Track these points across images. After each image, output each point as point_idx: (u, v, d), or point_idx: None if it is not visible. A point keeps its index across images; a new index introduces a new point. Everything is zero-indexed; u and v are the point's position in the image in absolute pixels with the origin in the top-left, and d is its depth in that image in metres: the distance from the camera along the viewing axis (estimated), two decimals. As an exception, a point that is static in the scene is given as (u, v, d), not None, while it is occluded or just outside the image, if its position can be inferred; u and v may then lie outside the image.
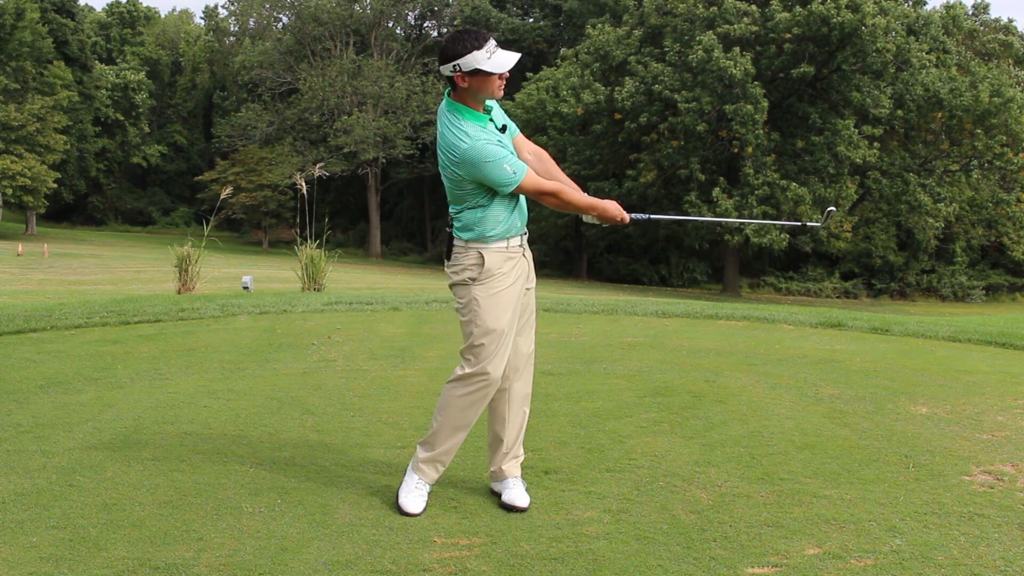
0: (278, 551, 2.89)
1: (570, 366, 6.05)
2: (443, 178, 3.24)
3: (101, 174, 58.01)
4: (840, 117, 35.13)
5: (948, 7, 40.65)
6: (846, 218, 36.22)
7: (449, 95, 3.22)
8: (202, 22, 66.33)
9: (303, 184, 12.93)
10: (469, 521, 3.18)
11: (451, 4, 52.16)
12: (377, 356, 6.48)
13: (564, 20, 51.53)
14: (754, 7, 35.44)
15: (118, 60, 62.82)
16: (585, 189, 3.46)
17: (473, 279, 3.23)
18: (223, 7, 59.10)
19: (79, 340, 7.05)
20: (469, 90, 3.14)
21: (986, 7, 47.17)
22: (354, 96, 49.07)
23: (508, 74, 3.17)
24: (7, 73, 45.31)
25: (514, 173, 3.12)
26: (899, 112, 35.88)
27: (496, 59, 3.11)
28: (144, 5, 69.90)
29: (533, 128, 39.54)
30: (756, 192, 33.75)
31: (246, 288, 12.80)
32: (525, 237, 3.37)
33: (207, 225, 12.58)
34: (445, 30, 54.22)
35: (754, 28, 34.47)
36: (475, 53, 3.08)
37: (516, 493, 3.33)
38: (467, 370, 3.26)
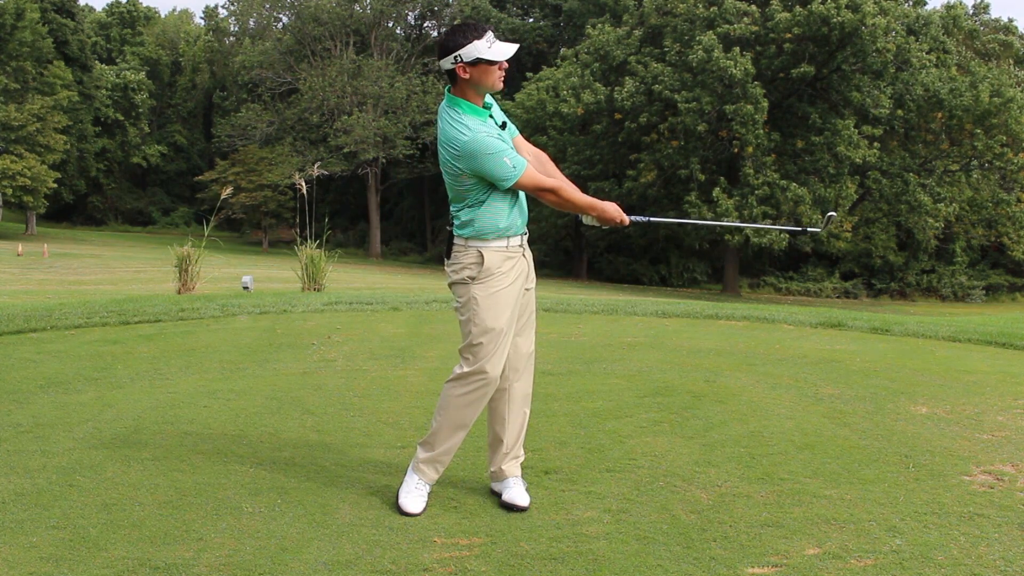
0: (278, 551, 2.89)
1: (570, 366, 6.05)
2: (444, 175, 3.25)
3: (101, 174, 58.03)
4: (840, 117, 35.13)
5: (948, 7, 40.66)
6: (846, 218, 36.23)
7: (449, 91, 3.22)
8: (202, 22, 66.36)
9: (303, 184, 12.93)
10: (469, 521, 3.18)
11: (451, 4, 52.16)
12: (377, 356, 6.48)
13: (564, 20, 51.55)
14: (754, 7, 35.45)
15: (118, 60, 62.84)
16: (585, 189, 3.46)
17: (472, 278, 3.23)
18: (223, 7, 59.15)
19: (79, 340, 7.05)
20: (470, 81, 3.15)
21: (986, 7, 47.19)
22: (354, 96, 49.07)
23: (507, 64, 3.17)
24: (7, 73, 45.31)
25: (514, 168, 3.12)
26: (899, 112, 35.89)
27: (496, 48, 3.12)
28: (144, 5, 69.93)
29: (533, 128, 39.55)
30: (756, 192, 33.75)
31: (246, 288, 12.80)
32: (525, 237, 3.36)
33: (207, 225, 12.58)
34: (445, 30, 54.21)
35: (754, 28, 34.48)
36: (476, 43, 3.09)
37: (516, 492, 3.33)
38: (466, 369, 3.26)
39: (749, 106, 33.06)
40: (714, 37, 33.63)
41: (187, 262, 12.10)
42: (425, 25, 56.57)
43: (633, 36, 38.00)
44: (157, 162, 61.66)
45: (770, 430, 4.34)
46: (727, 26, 34.30)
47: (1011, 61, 44.27)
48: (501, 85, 3.20)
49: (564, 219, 37.15)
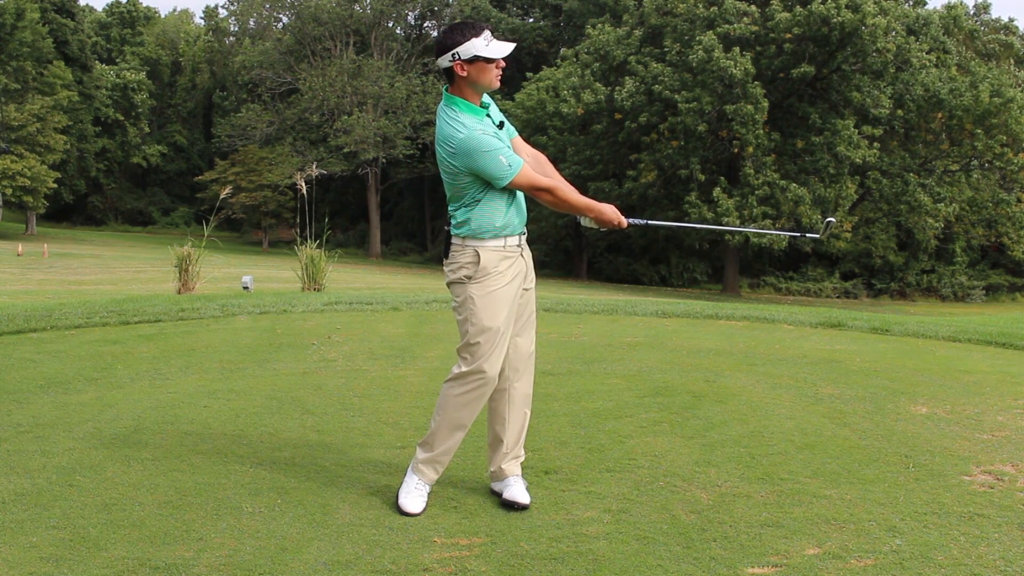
0: (278, 551, 2.89)
1: (570, 366, 6.05)
2: (442, 174, 3.25)
3: (101, 174, 58.02)
4: (840, 117, 35.14)
5: (949, 7, 40.66)
6: (846, 218, 36.23)
7: (447, 90, 3.23)
8: (202, 22, 66.39)
9: (303, 184, 12.93)
10: (469, 521, 3.18)
11: (451, 4, 52.16)
12: (377, 356, 6.48)
13: (564, 20, 51.56)
14: (754, 7, 35.45)
15: (118, 60, 62.82)
16: (585, 190, 3.47)
17: (469, 277, 3.23)
18: (223, 7, 59.20)
19: (79, 340, 7.04)
20: (468, 79, 3.15)
21: (987, 7, 47.18)
22: (354, 96, 49.07)
23: (504, 63, 3.18)
24: (7, 73, 45.31)
25: (509, 166, 3.12)
26: (899, 112, 35.90)
27: (494, 46, 3.13)
28: (144, 5, 69.89)
29: (533, 128, 39.56)
30: (756, 192, 33.74)
31: (246, 288, 12.80)
32: (523, 237, 3.36)
33: (207, 225, 12.57)
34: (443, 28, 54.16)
35: (754, 28, 34.48)
36: (473, 40, 3.11)
37: (517, 490, 3.33)
38: (464, 369, 3.27)
39: (749, 106, 33.06)
40: (714, 37, 33.63)
41: (187, 262, 12.10)
42: (425, 25, 56.59)
43: (633, 36, 38.00)
44: (157, 162, 61.66)
45: (770, 430, 4.34)
46: (727, 26, 34.30)
47: (1011, 61, 44.27)
48: (498, 84, 3.20)
49: (564, 219, 37.16)
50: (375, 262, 45.70)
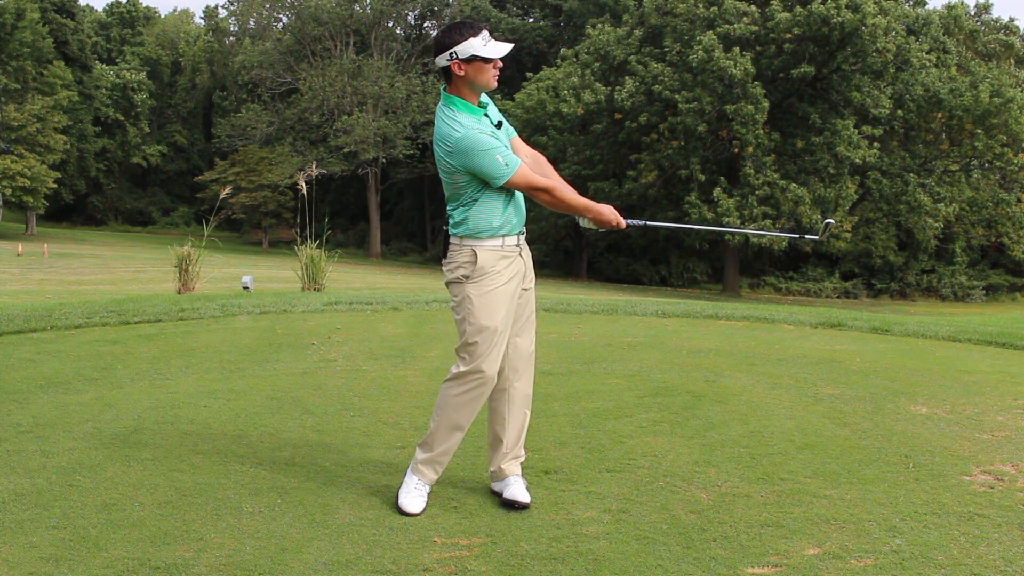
0: (278, 551, 2.89)
1: (570, 366, 6.05)
2: (440, 173, 3.26)
3: (101, 174, 58.03)
4: (840, 117, 35.14)
5: (949, 7, 40.65)
6: (846, 218, 36.23)
7: (445, 89, 3.23)
8: (202, 22, 66.36)
9: (303, 184, 12.92)
10: (469, 521, 3.18)
11: (451, 4, 52.16)
12: (377, 356, 6.48)
13: (564, 20, 51.54)
14: (754, 7, 35.45)
15: (118, 60, 62.83)
16: (585, 190, 3.47)
17: (466, 277, 3.23)
18: (223, 7, 59.14)
19: (79, 340, 7.04)
20: (465, 79, 3.16)
21: (988, 7, 47.15)
22: (354, 96, 49.07)
23: (502, 64, 3.18)
24: (7, 73, 45.31)
25: (506, 165, 3.13)
26: (899, 112, 35.89)
27: (492, 46, 3.15)
28: (144, 5, 69.91)
29: (533, 128, 39.55)
30: (757, 192, 33.74)
31: (246, 288, 12.80)
32: (522, 237, 3.36)
33: (207, 225, 12.57)
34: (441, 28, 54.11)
35: (754, 28, 34.48)
36: (471, 40, 3.12)
37: (517, 489, 3.33)
38: (462, 368, 3.27)
39: (750, 106, 33.06)
40: (714, 37, 33.62)
41: (187, 262, 12.10)
42: (425, 25, 56.57)
43: (633, 36, 37.99)
44: (157, 162, 61.66)
45: (770, 430, 4.34)
46: (727, 26, 34.29)
47: (1011, 61, 44.26)
48: (495, 84, 3.21)
49: (564, 219, 37.13)
50: (375, 262, 45.70)
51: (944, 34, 39.01)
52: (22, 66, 45.83)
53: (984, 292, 43.05)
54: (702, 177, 35.24)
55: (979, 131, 34.99)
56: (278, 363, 6.17)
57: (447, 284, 3.33)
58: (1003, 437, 4.26)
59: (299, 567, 2.77)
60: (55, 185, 46.63)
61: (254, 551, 2.88)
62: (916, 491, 3.46)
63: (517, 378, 3.42)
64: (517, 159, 3.19)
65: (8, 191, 44.71)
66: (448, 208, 3.30)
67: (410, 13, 55.05)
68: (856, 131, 34.43)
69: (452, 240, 3.28)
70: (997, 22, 47.79)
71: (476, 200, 3.20)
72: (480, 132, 3.12)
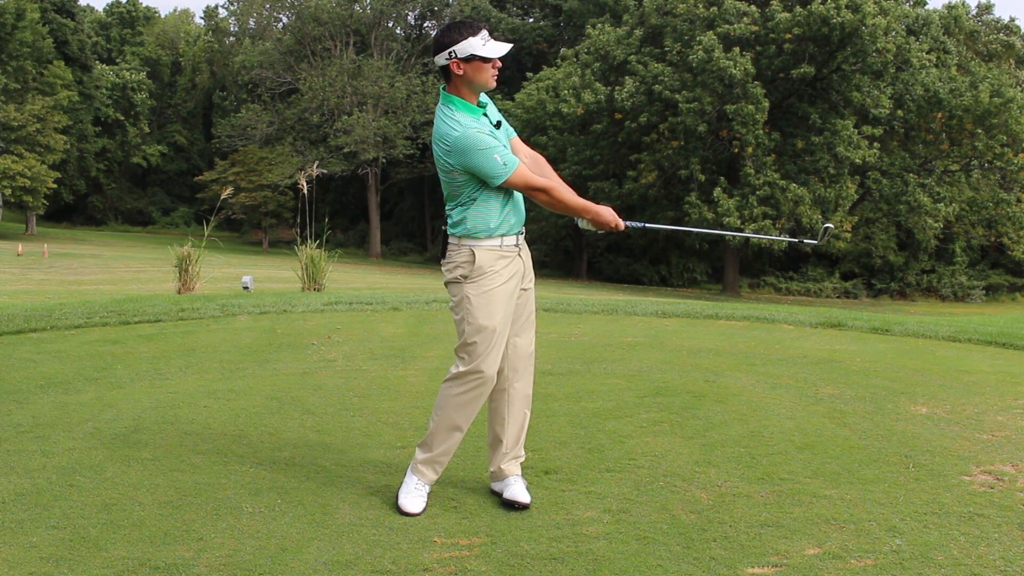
0: (278, 551, 2.89)
1: (570, 366, 6.05)
2: (439, 173, 3.26)
3: (101, 174, 58.04)
4: (840, 117, 35.14)
5: (949, 7, 40.65)
6: (846, 218, 36.24)
7: (444, 89, 3.24)
8: (202, 22, 66.37)
9: (304, 184, 12.92)
10: (469, 521, 3.18)
11: (451, 4, 52.15)
12: (377, 356, 6.48)
13: (564, 20, 51.53)
14: (754, 7, 35.45)
15: (118, 60, 62.84)
16: (585, 190, 3.47)
17: (465, 276, 3.23)
18: (223, 7, 59.18)
19: (79, 340, 7.05)
20: (464, 78, 3.16)
21: (990, 7, 47.14)
22: (354, 96, 49.07)
23: (500, 63, 3.19)
24: (7, 73, 45.32)
25: (504, 165, 3.12)
26: (899, 112, 35.90)
27: (491, 46, 3.15)
28: (144, 5, 69.89)
29: (533, 128, 39.54)
30: (757, 192, 33.74)
31: (246, 288, 12.80)
32: (521, 236, 3.36)
33: (207, 225, 12.57)
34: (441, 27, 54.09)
35: (754, 28, 34.49)
36: (470, 39, 3.12)
37: (517, 489, 3.33)
38: (461, 369, 3.27)
39: (750, 106, 33.06)
40: (714, 37, 33.63)
41: (187, 262, 12.10)
42: (425, 25, 56.56)
43: (633, 36, 37.99)
44: (157, 162, 61.68)
45: (770, 430, 4.34)
46: (727, 26, 34.29)
47: (1012, 62, 44.26)
48: (494, 83, 3.21)
49: (564, 219, 36.98)
50: (375, 262, 45.70)
51: (944, 34, 39.02)
52: (22, 66, 45.84)
53: (984, 292, 43.05)
54: (702, 177, 35.24)
55: (979, 131, 35.00)
56: (278, 363, 6.17)
57: (446, 284, 3.33)
58: (1003, 437, 4.26)
59: (299, 567, 2.77)
60: (55, 185, 46.63)
61: (254, 551, 2.88)
62: (916, 491, 3.46)
63: (517, 378, 3.42)
64: (515, 159, 3.19)
65: (8, 191, 44.71)
66: (447, 208, 3.30)
67: (410, 13, 55.06)
68: (856, 131, 34.43)
69: (451, 240, 3.28)
70: (998, 22, 47.78)
71: (474, 200, 3.20)
72: (478, 131, 3.12)
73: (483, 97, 3.29)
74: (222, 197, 14.72)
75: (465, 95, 3.20)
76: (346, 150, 47.05)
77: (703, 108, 34.12)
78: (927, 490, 3.47)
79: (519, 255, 3.34)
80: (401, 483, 3.39)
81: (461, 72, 3.15)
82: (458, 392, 3.28)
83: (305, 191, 12.86)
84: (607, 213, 3.31)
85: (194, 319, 8.36)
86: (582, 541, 2.98)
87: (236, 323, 8.16)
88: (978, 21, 46.17)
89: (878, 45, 33.54)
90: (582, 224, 3.40)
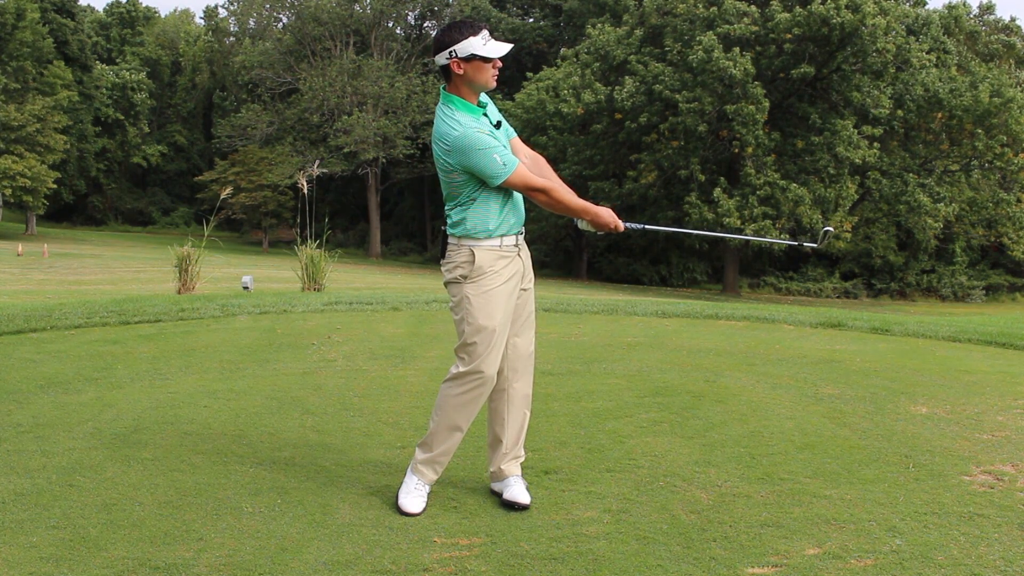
0: (278, 551, 2.89)
1: (570, 366, 6.05)
2: (438, 173, 3.25)
3: (101, 174, 58.06)
4: (840, 117, 35.13)
5: (950, 7, 40.64)
6: (846, 218, 36.24)
7: (444, 88, 3.24)
8: (202, 22, 66.36)
9: (304, 184, 12.92)
10: (469, 521, 3.18)
11: (451, 4, 52.15)
12: (377, 356, 6.48)
13: (564, 20, 51.53)
14: (754, 7, 35.44)
15: (118, 60, 62.85)
16: (585, 190, 3.47)
17: (465, 277, 3.23)
18: (223, 7, 59.15)
19: (79, 340, 7.05)
20: (464, 77, 3.16)
21: (992, 8, 47.14)
22: (354, 96, 49.07)
23: (501, 63, 3.18)
24: (7, 73, 45.33)
25: (504, 165, 3.12)
26: (899, 112, 35.88)
27: (491, 46, 3.15)
28: (144, 5, 69.87)
29: (533, 128, 39.53)
30: (757, 192, 33.74)
31: (246, 288, 12.80)
32: (521, 237, 3.36)
33: (207, 225, 12.57)
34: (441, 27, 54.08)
35: (754, 28, 34.48)
36: (471, 39, 3.12)
37: (517, 490, 3.33)
38: (461, 369, 3.27)
39: (750, 106, 33.06)
40: (714, 37, 33.62)
41: (187, 262, 12.10)
42: (425, 25, 56.57)
43: (633, 36, 37.99)
44: (157, 162, 61.69)
45: (770, 430, 4.34)
46: (727, 26, 34.29)
47: (1012, 62, 44.25)
48: (494, 83, 3.21)
49: (564, 219, 36.92)
50: (375, 262, 45.70)
51: (944, 34, 39.01)
52: (22, 66, 45.85)
53: (984, 292, 43.05)
54: (702, 177, 35.24)
55: (979, 131, 35.00)
56: (278, 363, 6.17)
57: (446, 284, 3.33)
58: (1003, 437, 4.26)
59: (299, 567, 2.77)
60: (55, 185, 46.65)
61: (254, 551, 2.88)
62: (916, 491, 3.46)
63: (516, 378, 3.41)
64: (515, 159, 3.19)
65: (8, 191, 44.71)
66: (446, 208, 3.30)
67: (410, 13, 55.06)
68: (856, 131, 34.43)
69: (450, 240, 3.28)
70: (998, 22, 47.78)
71: (474, 200, 3.20)
72: (478, 131, 3.12)
73: (483, 97, 3.29)
74: (221, 197, 14.72)
75: (465, 95, 3.20)
76: (346, 150, 47.06)
77: (703, 108, 34.11)
78: (927, 490, 3.47)
79: (519, 255, 3.34)
80: (401, 483, 3.39)
81: (461, 72, 3.15)
82: (458, 392, 3.28)
83: (305, 191, 12.85)
84: (606, 214, 3.30)
85: (194, 319, 8.36)
86: (582, 541, 2.98)
87: (236, 323, 8.16)
88: (979, 21, 46.17)
89: (878, 45, 33.53)
90: (581, 225, 3.40)
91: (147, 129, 60.67)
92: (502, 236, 3.25)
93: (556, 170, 3.48)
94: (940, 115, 36.23)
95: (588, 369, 5.96)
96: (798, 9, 33.79)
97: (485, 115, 3.24)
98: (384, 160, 48.87)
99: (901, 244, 44.02)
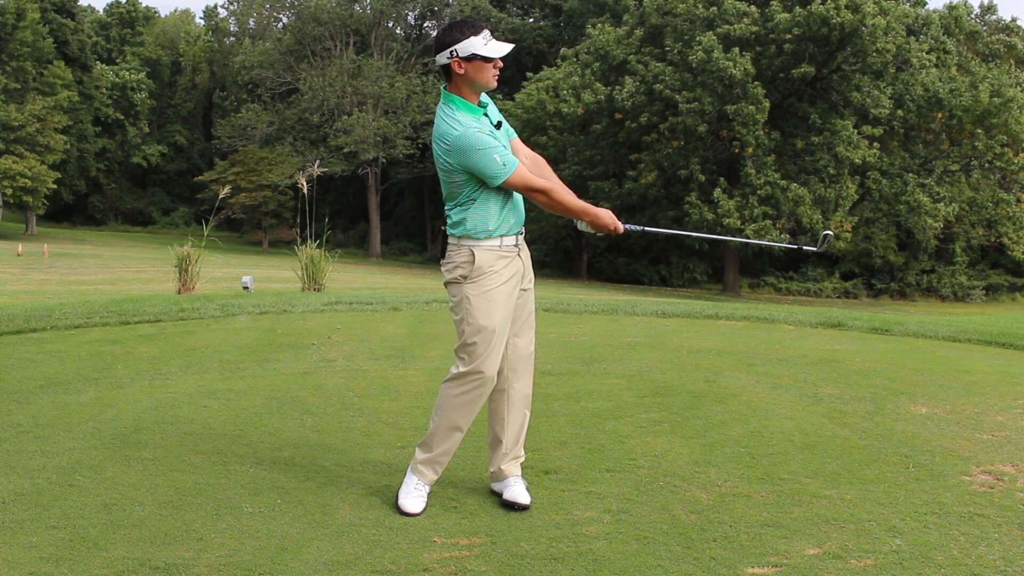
0: (278, 551, 2.89)
1: (570, 366, 6.05)
2: (439, 172, 3.25)
3: (101, 174, 58.07)
4: (840, 117, 35.14)
5: (950, 7, 40.63)
6: (846, 218, 36.24)
7: (445, 88, 3.23)
8: (202, 22, 66.37)
9: (304, 184, 12.91)
10: (469, 521, 3.18)
11: (451, 4, 52.15)
12: (377, 356, 6.47)
13: (564, 20, 51.54)
14: (754, 7, 35.45)
15: (118, 60, 62.86)
16: (585, 190, 3.47)
17: (465, 277, 3.23)
18: (223, 7, 59.17)
19: (79, 340, 7.04)
20: (465, 77, 3.16)
21: (993, 8, 47.13)
22: (354, 96, 49.07)
23: (502, 64, 3.18)
24: (7, 73, 45.34)
25: (504, 165, 3.12)
26: (899, 112, 35.89)
27: (492, 46, 3.15)
28: (144, 5, 69.90)
29: (533, 128, 39.53)
30: (758, 192, 33.74)
31: (246, 288, 12.80)
32: (521, 237, 3.36)
33: (207, 225, 12.57)
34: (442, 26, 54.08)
35: (754, 28, 34.49)
36: (472, 39, 3.12)
37: (517, 491, 3.33)
38: (461, 369, 3.27)
39: (751, 106, 33.06)
40: (714, 37, 33.62)
41: (187, 262, 12.10)
42: (425, 25, 56.59)
43: (634, 36, 38.00)
44: (157, 162, 61.69)
45: (770, 430, 4.34)
46: (727, 26, 34.29)
47: (1012, 62, 44.25)
48: (495, 83, 3.21)
49: (564, 219, 36.80)
50: (375, 262, 45.70)
51: (944, 34, 39.01)
52: (22, 66, 45.86)
53: (984, 292, 43.04)
54: (702, 177, 35.25)
55: (979, 131, 35.01)
56: (278, 363, 6.17)
57: (445, 284, 3.33)
58: (1003, 437, 4.26)
59: (299, 567, 2.77)
60: (55, 185, 46.66)
61: (254, 551, 2.88)
62: (916, 491, 3.46)
63: (516, 378, 3.41)
64: (515, 159, 3.19)
65: (8, 191, 44.72)
66: (446, 208, 3.30)
67: (410, 13, 55.06)
68: (856, 131, 34.43)
69: (450, 240, 3.28)
70: (999, 22, 47.77)
71: (474, 200, 3.20)
72: (478, 131, 3.12)
73: (484, 97, 3.28)
74: (221, 196, 14.71)
75: (466, 94, 3.20)
76: (346, 150, 47.05)
77: (703, 108, 34.11)
78: (927, 490, 3.47)
79: (519, 255, 3.34)
80: (401, 483, 3.39)
81: (462, 71, 3.15)
82: (458, 392, 3.28)
83: (305, 191, 12.85)
84: (606, 216, 3.30)
85: (194, 319, 8.36)
86: (582, 541, 2.98)
87: (236, 323, 8.16)
88: (980, 21, 46.16)
89: (878, 45, 33.54)
90: (581, 226, 3.40)
91: (147, 129, 60.67)
92: (502, 236, 3.25)
93: (556, 170, 3.48)
94: (940, 115, 36.25)
95: (588, 369, 5.96)
96: (798, 9, 33.80)
97: (486, 115, 3.23)
98: (384, 160, 48.87)
99: (901, 244, 44.01)
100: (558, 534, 3.04)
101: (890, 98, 35.43)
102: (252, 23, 55.65)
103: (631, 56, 37.51)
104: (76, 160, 52.00)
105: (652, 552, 2.89)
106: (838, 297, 41.60)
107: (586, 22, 43.09)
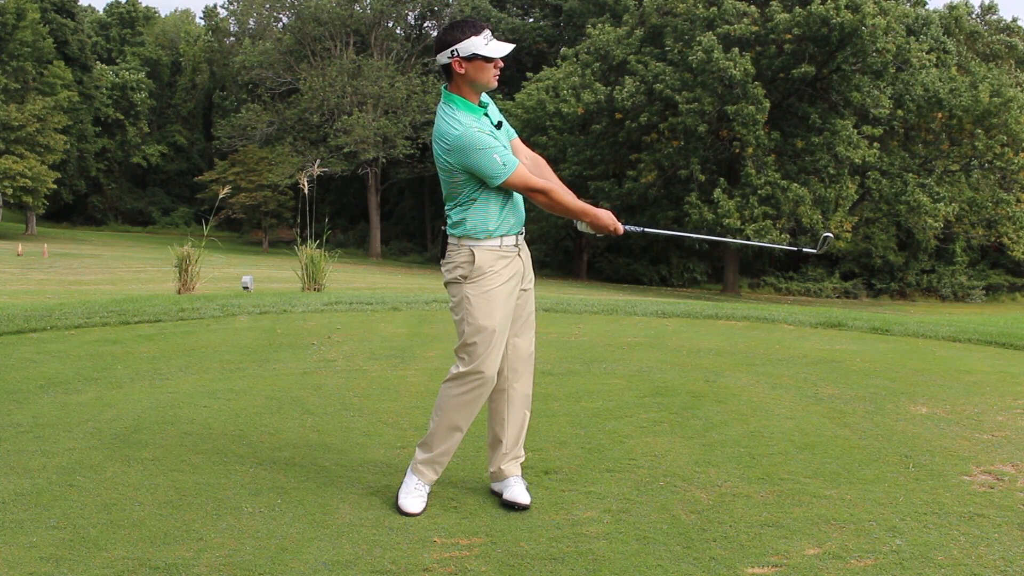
0: (278, 551, 2.89)
1: (570, 366, 6.05)
2: (439, 172, 3.25)
3: (101, 174, 58.07)
4: (840, 117, 35.12)
5: (950, 7, 40.61)
6: (846, 218, 36.23)
7: (445, 88, 3.23)
8: (202, 22, 66.36)
9: (305, 183, 12.91)
10: (469, 521, 3.18)
11: (451, 4, 52.14)
12: (377, 356, 6.48)
13: (564, 20, 51.52)
14: (754, 7, 35.44)
15: (118, 60, 62.85)
16: (585, 189, 3.47)
17: (465, 277, 3.23)
18: (223, 7, 59.12)
19: (79, 340, 7.04)
20: (465, 77, 3.16)
21: (994, 8, 47.11)
22: (354, 96, 49.06)
23: (502, 63, 3.18)
24: (7, 73, 45.34)
25: (504, 165, 3.12)
26: (899, 112, 35.87)
27: (493, 45, 3.15)
28: (144, 5, 69.88)
29: (533, 128, 39.51)
30: (758, 192, 33.73)
31: (246, 288, 12.80)
32: (521, 237, 3.36)
33: (207, 225, 12.58)
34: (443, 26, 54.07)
35: (754, 28, 34.47)
36: (473, 39, 3.12)
37: (517, 491, 3.33)
38: (461, 369, 3.27)
39: (751, 106, 33.04)
40: (714, 38, 33.61)
41: (187, 262, 12.10)
42: (425, 25, 56.57)
43: (634, 36, 37.99)
44: (157, 162, 61.70)
45: (770, 430, 4.34)
46: (727, 26, 34.29)
47: (1012, 62, 44.26)
48: (495, 84, 3.21)
49: (564, 219, 36.84)
50: (375, 262, 45.70)
51: (944, 34, 39.00)
52: (22, 66, 45.86)
53: (984, 292, 43.04)
54: (702, 177, 35.23)
55: (979, 131, 34.99)
56: (278, 363, 6.17)
57: (445, 284, 3.33)
58: (1003, 437, 4.26)
59: (299, 567, 2.77)
60: (55, 185, 46.66)
61: (254, 551, 2.88)
62: (916, 491, 3.46)
63: (516, 379, 3.41)
64: (515, 159, 3.19)
65: (8, 191, 44.71)
66: (446, 208, 3.30)
67: (410, 13, 55.05)
68: (856, 131, 34.41)
69: (450, 240, 3.28)
70: (999, 22, 47.76)
71: (474, 200, 3.20)
72: (479, 131, 3.12)
73: (484, 97, 3.28)
74: (220, 196, 14.71)
75: (466, 94, 3.20)
76: (346, 150, 47.05)
77: (703, 108, 34.10)
78: (927, 490, 3.47)
79: (519, 255, 3.34)
80: (401, 483, 3.39)
81: (463, 71, 3.15)
82: (458, 392, 3.28)
83: (305, 191, 12.85)
84: (606, 217, 3.30)
85: (194, 319, 8.36)
86: (582, 541, 2.98)
87: (236, 323, 8.16)
88: (980, 21, 46.15)
89: (878, 45, 33.52)
90: (581, 227, 3.40)
91: (147, 129, 60.67)
92: (502, 236, 3.25)
93: (556, 170, 3.48)
94: (940, 115, 36.23)
95: (588, 369, 5.96)
96: (798, 9, 33.78)
97: (486, 115, 3.23)
98: (384, 160, 48.86)
99: (901, 244, 44.01)
100: (558, 534, 3.04)
101: (890, 98, 35.42)
102: (252, 23, 55.64)
103: (631, 56, 37.50)
104: (76, 160, 52.00)
105: (652, 552, 2.89)
106: (838, 297, 41.60)
107: (586, 22, 43.06)
